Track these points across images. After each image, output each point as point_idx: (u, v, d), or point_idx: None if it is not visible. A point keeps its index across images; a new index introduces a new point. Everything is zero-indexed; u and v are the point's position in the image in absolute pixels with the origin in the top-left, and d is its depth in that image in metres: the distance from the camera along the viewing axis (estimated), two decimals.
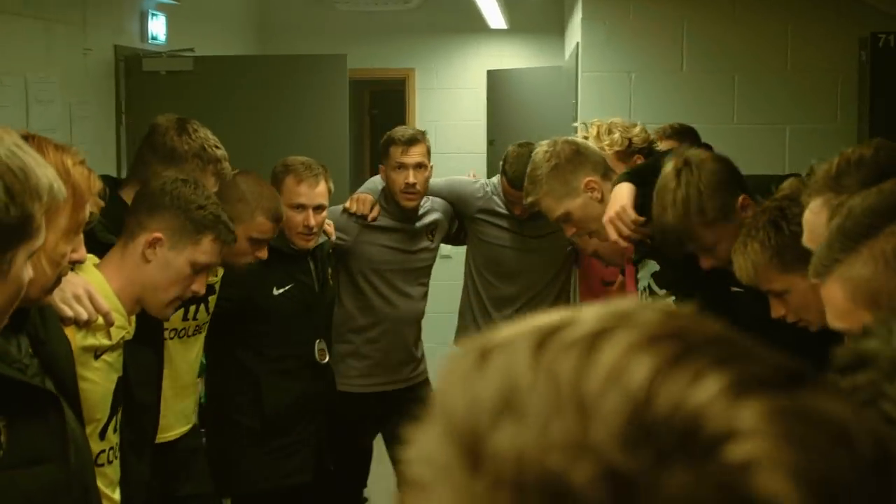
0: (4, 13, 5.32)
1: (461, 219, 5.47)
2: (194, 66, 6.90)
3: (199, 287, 3.47)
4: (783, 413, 0.61)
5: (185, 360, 4.13)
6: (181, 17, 7.41)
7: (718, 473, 0.59)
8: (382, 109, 11.30)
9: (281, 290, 4.71)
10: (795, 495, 0.58)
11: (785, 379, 0.63)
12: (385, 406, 5.30)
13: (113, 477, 3.15)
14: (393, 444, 5.45)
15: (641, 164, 4.35)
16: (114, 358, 3.11)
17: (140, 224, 3.36)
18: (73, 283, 2.76)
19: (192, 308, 4.11)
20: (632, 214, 3.81)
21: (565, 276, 5.40)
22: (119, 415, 3.14)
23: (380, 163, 5.33)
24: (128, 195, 3.93)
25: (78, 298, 2.75)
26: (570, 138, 4.48)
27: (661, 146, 5.27)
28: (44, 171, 1.98)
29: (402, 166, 5.13)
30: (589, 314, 0.68)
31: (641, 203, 3.87)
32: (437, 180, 5.38)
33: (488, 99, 8.79)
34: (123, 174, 6.24)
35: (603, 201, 4.05)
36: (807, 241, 2.65)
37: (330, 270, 5.01)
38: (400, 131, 5.25)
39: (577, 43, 6.82)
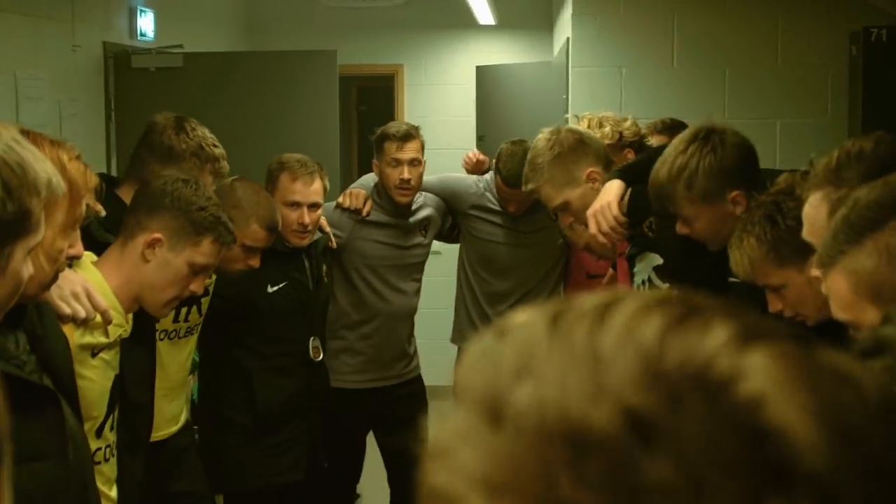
0: None
1: (454, 215, 5.46)
2: (184, 62, 6.88)
3: (197, 287, 3.46)
4: (790, 357, 0.64)
5: (175, 361, 4.10)
6: (169, 14, 7.39)
7: (730, 409, 0.62)
8: (370, 105, 11.29)
9: (275, 288, 4.70)
10: (806, 426, 0.61)
11: (789, 334, 0.67)
12: (378, 402, 5.30)
13: (110, 475, 3.14)
14: (385, 439, 5.45)
15: (635, 161, 4.33)
16: (111, 356, 3.10)
17: (140, 223, 3.35)
18: (72, 281, 2.75)
19: (184, 310, 4.09)
20: (615, 210, 3.80)
21: (559, 272, 5.40)
22: (116, 413, 3.13)
23: (373, 158, 5.32)
24: (124, 193, 3.92)
25: (76, 296, 2.73)
26: (572, 127, 4.45)
27: (653, 141, 5.27)
28: (42, 167, 1.97)
29: (397, 162, 5.13)
30: (597, 294, 0.72)
31: (633, 200, 3.86)
32: (429, 177, 5.37)
33: (477, 95, 8.78)
34: (114, 171, 6.24)
35: None
36: (806, 234, 2.65)
37: (325, 268, 5.00)
38: (394, 127, 5.24)
39: (568, 38, 6.81)
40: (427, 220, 5.35)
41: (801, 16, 6.62)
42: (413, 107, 9.68)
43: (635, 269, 3.94)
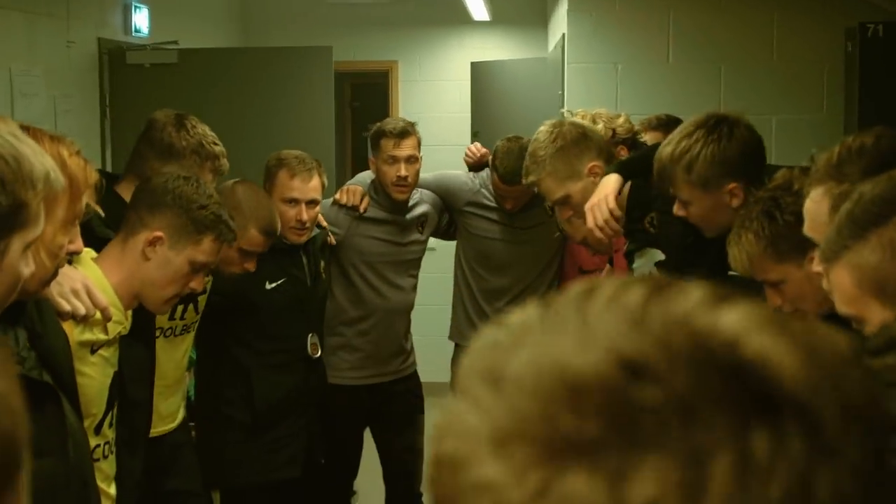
0: None
1: (450, 212, 5.45)
2: (178, 58, 6.87)
3: (197, 285, 3.46)
4: (762, 309, 0.71)
5: (171, 359, 4.09)
6: (164, 10, 7.38)
7: (712, 348, 0.68)
8: (363, 102, 11.27)
9: (273, 285, 4.69)
10: (784, 356, 0.67)
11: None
12: (375, 398, 5.29)
13: (109, 472, 3.13)
14: (382, 435, 5.45)
15: (634, 155, 4.33)
16: (110, 353, 3.09)
17: (141, 221, 3.34)
18: (72, 278, 2.74)
19: (180, 308, 4.07)
20: (612, 204, 3.80)
21: (556, 267, 5.38)
22: (114, 410, 3.12)
23: (370, 155, 5.31)
24: (124, 190, 3.91)
25: (76, 293, 2.72)
26: (574, 120, 4.44)
27: (646, 137, 5.27)
28: (40, 160, 1.95)
29: (394, 159, 5.11)
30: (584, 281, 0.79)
31: (633, 194, 3.86)
32: (424, 174, 5.35)
33: (472, 91, 8.77)
34: (108, 167, 6.23)
35: None
36: (808, 229, 2.65)
37: (322, 264, 4.99)
38: (391, 124, 5.23)
39: (564, 34, 6.81)
40: (424, 216, 5.34)
41: (796, 11, 6.63)
42: (407, 103, 9.67)
43: (635, 265, 3.94)
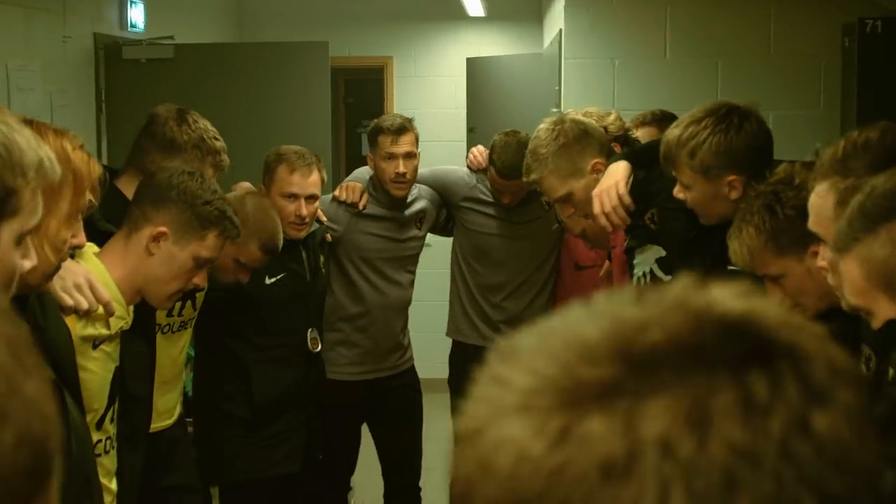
0: None
1: (448, 207, 5.44)
2: (174, 53, 6.85)
3: (200, 280, 3.46)
4: (744, 287, 0.78)
5: (168, 355, 4.07)
6: (159, 5, 7.36)
7: (703, 308, 0.74)
8: (357, 98, 11.25)
9: (273, 280, 4.69)
10: (776, 312, 0.75)
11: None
12: (372, 394, 5.29)
13: (110, 467, 3.13)
14: (379, 430, 5.45)
15: (643, 145, 4.32)
16: (112, 348, 3.09)
17: (145, 216, 3.33)
18: (74, 272, 2.73)
19: (178, 304, 4.06)
20: (622, 190, 3.79)
21: (552, 263, 5.37)
22: (116, 405, 3.12)
23: (368, 151, 5.29)
24: (124, 184, 3.90)
25: (79, 287, 2.71)
26: (575, 117, 4.43)
27: (639, 133, 5.27)
28: (34, 149, 1.91)
29: (392, 156, 5.10)
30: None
31: (636, 187, 3.85)
32: (421, 170, 5.34)
33: (468, 87, 8.76)
34: (104, 162, 6.20)
35: None
36: (812, 224, 2.64)
37: (322, 259, 4.99)
38: (388, 120, 5.21)
39: (560, 29, 6.80)
40: (422, 212, 5.33)
41: (793, 7, 6.62)
42: (403, 99, 9.67)
43: (635, 262, 3.93)
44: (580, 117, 4.50)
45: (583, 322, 0.76)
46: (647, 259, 3.87)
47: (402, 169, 5.09)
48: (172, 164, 3.86)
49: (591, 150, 4.18)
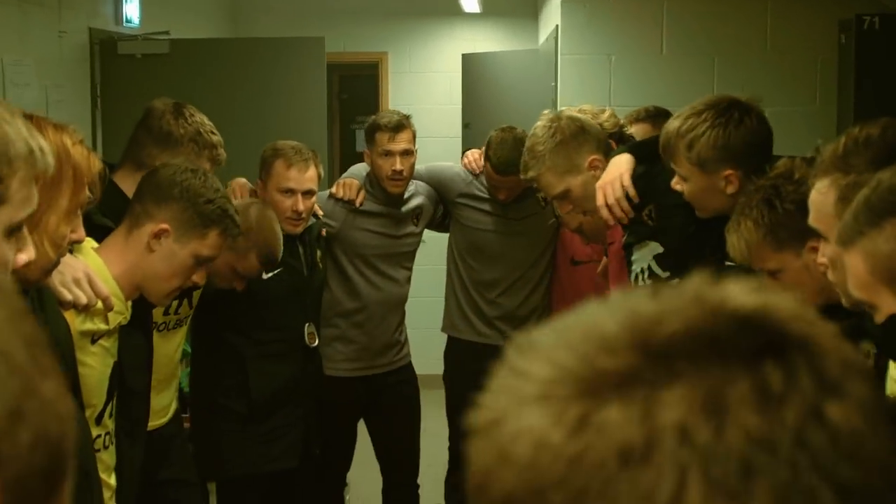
0: None
1: (445, 204, 5.43)
2: (170, 49, 6.84)
3: (199, 278, 3.45)
4: (756, 282, 0.79)
5: (164, 354, 4.06)
6: (155, 0, 7.35)
7: (718, 302, 0.76)
8: (351, 94, 11.23)
9: (270, 274, 4.68)
10: (789, 306, 0.76)
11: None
12: (369, 390, 5.29)
13: (109, 462, 3.12)
14: (376, 426, 5.44)
15: (647, 139, 4.32)
16: (110, 343, 3.08)
17: (147, 212, 3.32)
18: (73, 267, 2.72)
19: (175, 303, 4.05)
20: (627, 182, 3.78)
21: (548, 258, 5.37)
22: (114, 400, 3.11)
23: (365, 147, 5.28)
24: (120, 178, 3.89)
25: (77, 282, 2.70)
26: (572, 114, 4.43)
27: (633, 129, 5.27)
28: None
29: (389, 153, 5.10)
30: None
31: (635, 182, 3.84)
32: (417, 167, 5.34)
33: (463, 82, 8.75)
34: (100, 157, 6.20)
35: None
36: (813, 221, 2.64)
37: (319, 253, 4.98)
38: (386, 117, 5.20)
39: (557, 25, 6.80)
40: (419, 208, 5.33)
41: (789, 3, 6.63)
42: (398, 95, 9.66)
43: (633, 258, 3.91)
44: (577, 114, 4.50)
45: (600, 316, 0.77)
46: (644, 255, 3.86)
47: (398, 166, 5.09)
48: (169, 157, 3.86)
49: (588, 146, 4.19)
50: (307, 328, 4.82)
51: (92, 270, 2.81)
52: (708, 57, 6.65)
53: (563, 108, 5.05)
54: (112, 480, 3.13)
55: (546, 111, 4.54)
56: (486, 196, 5.31)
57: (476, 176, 5.36)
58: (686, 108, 3.49)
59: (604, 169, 4.03)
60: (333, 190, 5.22)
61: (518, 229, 5.31)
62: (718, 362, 0.71)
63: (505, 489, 0.74)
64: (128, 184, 3.86)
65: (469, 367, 5.43)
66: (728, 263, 3.34)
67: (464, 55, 8.82)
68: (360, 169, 5.36)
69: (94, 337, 3.01)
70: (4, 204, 1.86)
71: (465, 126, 8.50)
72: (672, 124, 3.47)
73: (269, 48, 7.11)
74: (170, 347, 4.13)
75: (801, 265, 3.00)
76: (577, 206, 4.21)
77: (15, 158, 1.85)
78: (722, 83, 6.57)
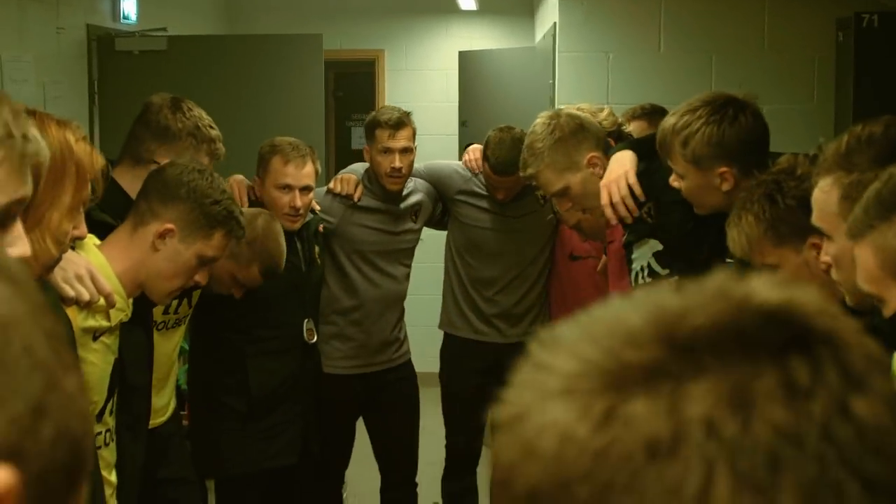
0: None
1: (444, 201, 5.43)
2: (167, 45, 6.84)
3: (202, 278, 3.45)
4: (779, 277, 0.79)
5: (163, 352, 4.05)
6: None
7: (743, 297, 0.76)
8: (346, 91, 11.23)
9: None
10: (814, 301, 0.76)
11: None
12: (368, 388, 5.27)
13: (110, 459, 3.12)
14: (375, 424, 5.43)
15: (643, 137, 4.32)
16: (111, 340, 3.08)
17: (152, 211, 3.31)
18: (76, 263, 2.72)
19: (174, 302, 4.05)
20: (632, 179, 3.78)
21: (546, 256, 5.36)
22: (115, 397, 3.11)
23: (365, 143, 5.27)
24: (119, 174, 3.88)
25: (80, 278, 2.70)
26: (571, 112, 4.43)
27: (630, 127, 5.27)
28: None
29: (388, 150, 5.08)
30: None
31: (638, 179, 3.84)
32: (416, 165, 5.33)
33: (460, 80, 8.74)
34: None
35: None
36: (816, 219, 2.64)
37: (317, 249, 4.98)
38: (386, 114, 5.19)
39: (555, 23, 6.80)
40: (418, 205, 5.32)
41: (787, 2, 6.63)
42: (394, 92, 9.65)
43: (633, 256, 3.91)
44: (576, 112, 4.50)
45: (624, 310, 0.77)
46: (644, 253, 3.86)
47: (398, 164, 5.08)
48: (167, 152, 3.86)
49: (587, 144, 4.19)
50: (306, 324, 4.81)
51: (94, 267, 2.80)
52: (706, 55, 6.65)
53: (562, 107, 5.04)
54: (113, 477, 3.13)
55: (545, 112, 4.54)
56: (485, 193, 5.31)
57: (475, 174, 5.35)
58: (682, 105, 3.49)
59: (602, 166, 4.03)
60: (331, 185, 5.21)
61: (516, 227, 5.30)
62: (744, 356, 0.72)
63: (530, 483, 0.74)
64: (126, 179, 3.86)
65: (466, 364, 5.44)
66: (728, 260, 3.34)
67: (460, 52, 8.81)
68: (359, 167, 5.35)
69: (96, 334, 3.00)
70: None
71: (462, 124, 8.49)
72: (668, 121, 3.48)
73: (267, 45, 7.11)
74: (168, 346, 4.12)
75: (800, 261, 3.00)
76: (577, 203, 4.21)
77: None
78: (720, 81, 6.57)
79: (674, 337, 0.73)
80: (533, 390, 0.76)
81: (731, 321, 0.73)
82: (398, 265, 5.30)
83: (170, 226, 3.29)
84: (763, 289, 0.76)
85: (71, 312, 2.73)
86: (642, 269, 3.84)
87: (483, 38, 9.47)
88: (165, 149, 3.91)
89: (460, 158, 5.67)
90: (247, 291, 4.50)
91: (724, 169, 3.39)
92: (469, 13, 9.47)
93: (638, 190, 3.77)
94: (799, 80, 6.63)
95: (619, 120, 5.14)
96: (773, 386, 0.70)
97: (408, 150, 5.13)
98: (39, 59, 5.83)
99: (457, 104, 8.77)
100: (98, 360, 3.01)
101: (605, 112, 5.00)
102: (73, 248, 2.70)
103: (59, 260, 2.44)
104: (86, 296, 2.70)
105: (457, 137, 8.58)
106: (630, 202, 3.78)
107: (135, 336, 3.31)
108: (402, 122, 5.12)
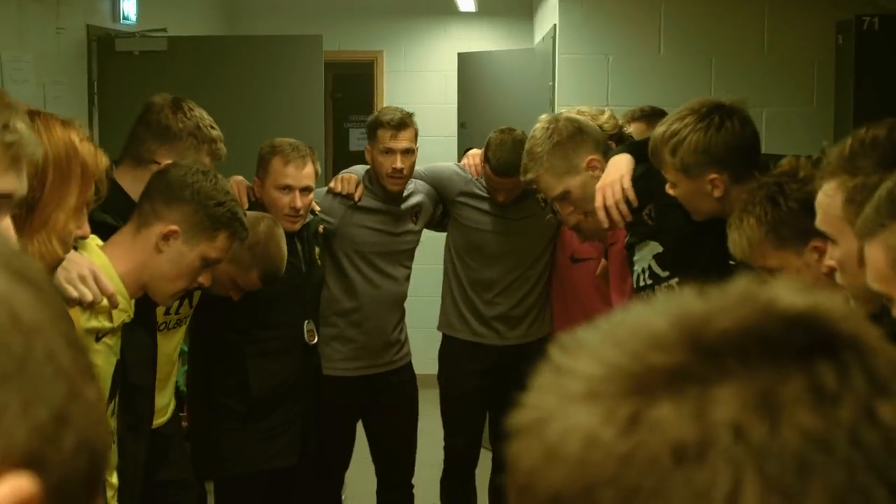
0: None
1: (444, 203, 5.42)
2: (167, 46, 6.83)
3: (205, 280, 3.45)
4: (801, 282, 0.82)
5: (163, 353, 4.03)
6: None
7: (767, 302, 0.75)
8: (345, 93, 11.22)
9: None
10: (839, 307, 0.76)
11: None
12: (370, 389, 5.26)
13: (111, 461, 3.10)
14: (374, 426, 5.43)
15: (643, 140, 4.33)
16: (113, 341, 3.07)
17: (156, 213, 3.31)
18: (79, 264, 2.71)
19: (175, 302, 4.05)
20: (627, 184, 3.79)
21: (546, 259, 5.35)
22: (117, 399, 3.10)
23: (367, 143, 5.26)
24: (120, 174, 3.87)
25: (83, 279, 2.70)
26: (570, 115, 4.44)
27: (630, 129, 5.28)
28: None
29: (390, 151, 5.08)
30: None
31: (633, 184, 3.85)
32: (417, 168, 5.33)
33: (459, 81, 8.74)
34: None
35: None
36: (820, 223, 2.64)
37: (318, 250, 4.97)
38: (389, 114, 5.19)
39: (555, 25, 6.80)
40: (418, 206, 5.31)
41: (787, 4, 6.64)
42: (393, 93, 9.64)
43: (635, 258, 3.92)
44: (576, 115, 4.51)
45: (648, 314, 0.77)
46: (645, 256, 3.87)
47: (399, 164, 5.08)
48: (168, 152, 3.85)
49: (586, 147, 4.20)
50: (306, 325, 4.81)
51: (97, 268, 2.80)
52: (705, 57, 6.66)
53: (562, 110, 5.05)
54: (114, 479, 3.12)
55: (544, 116, 4.55)
56: (485, 195, 5.30)
57: (476, 178, 5.35)
58: (672, 114, 3.51)
59: (602, 169, 4.03)
60: (332, 185, 5.20)
61: (517, 229, 5.29)
62: (769, 361, 0.71)
63: (553, 488, 0.73)
64: (127, 180, 3.85)
65: (465, 366, 5.44)
66: (731, 262, 3.34)
67: (459, 54, 8.80)
68: (358, 169, 5.34)
69: (99, 335, 3.00)
70: None
71: (461, 125, 8.49)
72: (658, 130, 3.50)
73: (266, 46, 7.11)
74: (170, 346, 4.11)
75: (802, 264, 3.00)
76: (578, 207, 4.22)
77: None
78: (719, 84, 6.59)
79: (699, 341, 0.73)
80: (555, 394, 0.76)
81: (756, 325, 0.73)
82: (398, 266, 5.29)
83: (174, 227, 3.28)
84: (787, 293, 0.76)
85: (74, 313, 2.73)
86: (643, 270, 3.85)
87: (482, 40, 9.47)
88: (166, 149, 3.91)
89: (459, 160, 5.67)
90: (247, 293, 4.50)
91: (714, 175, 3.40)
92: (468, 15, 9.47)
93: (632, 196, 3.79)
94: (798, 82, 6.64)
95: (620, 123, 5.14)
96: (801, 390, 0.70)
97: (410, 151, 5.12)
98: (39, 59, 5.82)
99: (456, 106, 8.76)
100: (101, 362, 3.00)
101: (607, 115, 5.01)
102: (75, 249, 2.70)
103: (62, 260, 2.44)
104: (89, 296, 2.70)
105: (455, 139, 8.58)
106: (623, 207, 3.80)
107: (137, 337, 3.31)
108: (404, 122, 5.12)
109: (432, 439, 5.82)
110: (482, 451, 5.60)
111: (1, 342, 0.70)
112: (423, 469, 5.67)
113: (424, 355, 6.15)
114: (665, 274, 3.78)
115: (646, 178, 3.79)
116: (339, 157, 10.04)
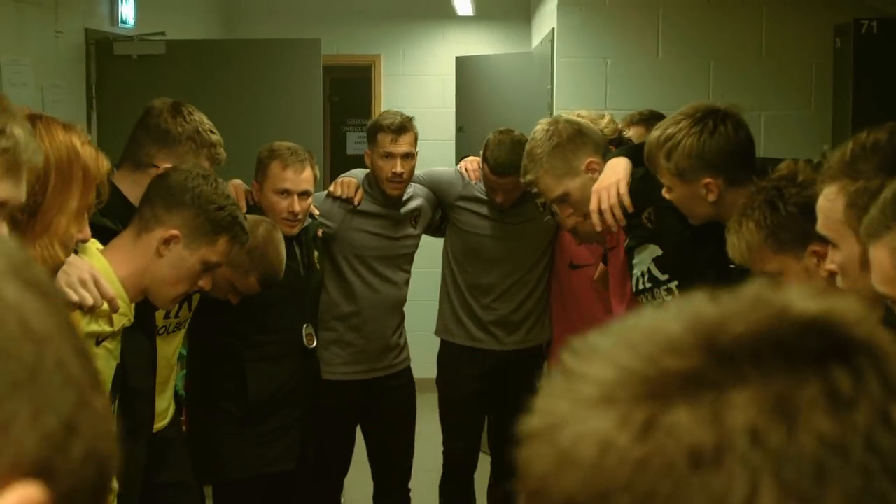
0: None
1: (443, 207, 5.41)
2: (166, 50, 6.83)
3: (205, 284, 3.44)
4: (814, 287, 0.81)
5: (162, 356, 4.02)
6: (150, 1, 7.33)
7: (780, 306, 0.76)
8: (342, 96, 11.22)
9: None
10: (853, 310, 0.76)
11: None
12: (370, 393, 5.26)
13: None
14: (372, 430, 5.42)
15: (642, 143, 4.34)
16: (114, 345, 3.07)
17: (157, 217, 3.30)
18: (79, 268, 2.71)
19: (174, 306, 4.05)
20: (623, 189, 3.80)
21: (545, 264, 5.35)
22: (117, 402, 3.10)
23: (367, 146, 5.26)
24: (119, 178, 3.86)
25: (84, 283, 2.69)
26: (570, 117, 4.45)
27: (629, 133, 5.28)
28: None
29: (390, 155, 5.08)
30: None
31: (632, 186, 3.85)
32: (416, 172, 5.33)
33: (457, 85, 8.73)
34: None
35: None
36: (821, 227, 2.63)
37: (316, 254, 4.97)
38: (389, 118, 5.19)
39: (553, 28, 6.80)
40: (418, 210, 5.31)
41: (785, 8, 6.65)
42: (391, 97, 9.63)
43: (634, 262, 3.92)
44: (576, 118, 4.51)
45: (661, 318, 0.77)
46: (644, 259, 3.87)
47: (399, 169, 5.08)
48: (167, 156, 3.85)
49: (585, 149, 4.20)
50: (305, 329, 4.80)
51: (98, 272, 2.80)
52: (704, 61, 6.66)
53: (561, 113, 5.05)
54: (114, 483, 3.12)
55: (544, 119, 4.55)
56: (485, 199, 5.30)
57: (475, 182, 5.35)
58: (667, 118, 3.53)
59: (601, 171, 4.04)
60: (332, 188, 5.20)
61: (515, 234, 5.29)
62: (784, 365, 0.72)
63: (567, 493, 0.73)
64: (126, 184, 3.84)
65: (463, 370, 5.43)
66: (731, 266, 3.34)
67: (457, 58, 8.80)
68: (358, 173, 5.34)
69: (99, 339, 2.99)
70: None
71: (459, 129, 8.48)
72: (653, 135, 3.51)
73: (265, 49, 7.11)
74: (169, 350, 4.11)
75: (801, 268, 3.00)
76: (577, 209, 4.22)
77: None
78: (718, 87, 6.59)
79: (714, 345, 0.73)
80: (568, 399, 0.75)
81: (771, 330, 0.73)
82: (398, 270, 5.29)
83: (174, 232, 3.28)
84: (801, 298, 0.76)
85: (74, 317, 2.72)
86: (643, 273, 3.85)
87: (480, 44, 9.47)
88: (165, 153, 3.90)
89: (457, 165, 5.67)
90: (246, 297, 4.49)
91: (708, 180, 3.41)
92: (466, 19, 9.47)
93: (627, 201, 3.80)
94: (797, 86, 6.65)
95: (620, 127, 5.15)
96: (817, 395, 0.70)
97: (409, 156, 5.13)
98: (38, 62, 5.82)
99: (453, 110, 8.74)
100: (101, 366, 2.99)
101: (606, 119, 5.01)
102: (76, 252, 2.70)
103: (62, 263, 2.44)
104: (89, 300, 2.69)
105: (453, 143, 8.57)
106: (618, 211, 3.81)
107: (137, 341, 3.30)
108: (404, 126, 5.12)
109: (431, 444, 5.81)
110: (481, 455, 5.59)
111: (12, 351, 0.70)
112: (421, 473, 5.67)
113: (423, 359, 6.14)
114: (664, 277, 3.78)
115: (645, 180, 3.79)
116: (337, 161, 10.05)
